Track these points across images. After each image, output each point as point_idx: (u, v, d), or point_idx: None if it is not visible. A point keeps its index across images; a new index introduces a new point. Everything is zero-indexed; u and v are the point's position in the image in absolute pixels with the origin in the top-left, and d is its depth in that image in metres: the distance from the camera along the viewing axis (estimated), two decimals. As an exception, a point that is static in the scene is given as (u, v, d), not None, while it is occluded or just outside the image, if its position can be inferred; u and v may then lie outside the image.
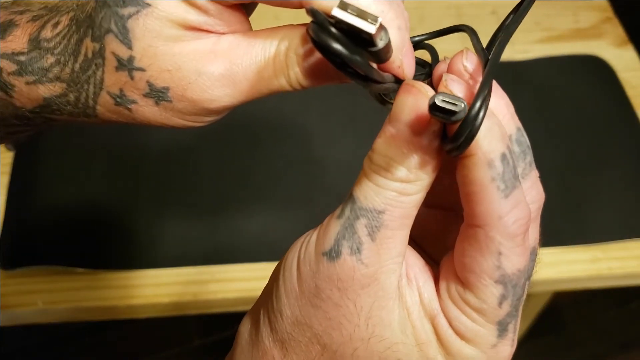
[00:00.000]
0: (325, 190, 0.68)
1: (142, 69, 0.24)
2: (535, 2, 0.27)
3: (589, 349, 1.38)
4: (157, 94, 0.24)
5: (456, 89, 0.22)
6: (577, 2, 0.88)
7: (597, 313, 1.42)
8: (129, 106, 0.25)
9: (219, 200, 0.67)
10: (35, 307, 0.60)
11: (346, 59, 0.21)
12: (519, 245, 0.22)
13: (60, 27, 0.25)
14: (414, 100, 0.22)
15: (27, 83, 0.26)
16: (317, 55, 0.24)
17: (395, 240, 0.23)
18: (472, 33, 0.27)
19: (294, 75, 0.24)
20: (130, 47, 0.23)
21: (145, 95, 0.25)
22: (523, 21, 0.26)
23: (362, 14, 0.21)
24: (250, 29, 0.25)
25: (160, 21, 0.23)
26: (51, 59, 0.25)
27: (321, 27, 0.20)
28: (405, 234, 0.23)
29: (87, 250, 0.63)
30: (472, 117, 0.20)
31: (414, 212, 0.23)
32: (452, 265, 0.23)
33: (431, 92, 0.22)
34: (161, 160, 0.69)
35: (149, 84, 0.24)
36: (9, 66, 0.26)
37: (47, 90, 0.26)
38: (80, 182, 0.67)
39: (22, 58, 0.26)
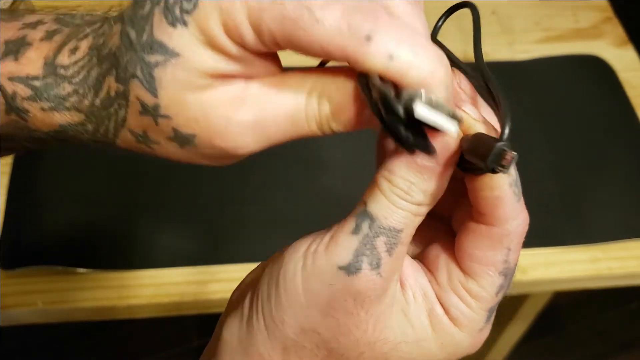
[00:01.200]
0: (325, 190, 0.68)
1: (167, 117, 0.23)
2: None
3: (589, 349, 1.38)
4: (183, 139, 0.23)
5: (469, 109, 0.23)
6: (577, 2, 0.88)
7: (597, 313, 1.42)
8: (152, 146, 0.24)
9: (219, 201, 0.67)
10: (35, 307, 0.60)
11: (412, 146, 0.21)
12: (521, 242, 0.25)
13: (78, 55, 0.24)
14: (447, 139, 0.23)
15: (43, 109, 0.25)
16: (354, 105, 0.23)
17: (404, 253, 0.24)
18: (444, 49, 0.27)
19: (327, 123, 0.23)
20: (155, 95, 0.22)
21: (170, 139, 0.24)
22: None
23: (439, 106, 0.20)
24: (281, 69, 0.24)
25: (189, 72, 0.22)
26: (68, 88, 0.24)
27: (391, 112, 0.20)
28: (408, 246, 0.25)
29: (87, 250, 0.63)
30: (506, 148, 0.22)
31: None
32: (446, 257, 0.26)
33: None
34: (161, 160, 0.69)
35: (175, 130, 0.23)
36: (23, 91, 0.25)
37: (63, 117, 0.25)
38: (81, 181, 0.67)
39: (37, 83, 0.24)
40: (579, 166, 0.72)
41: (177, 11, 0.21)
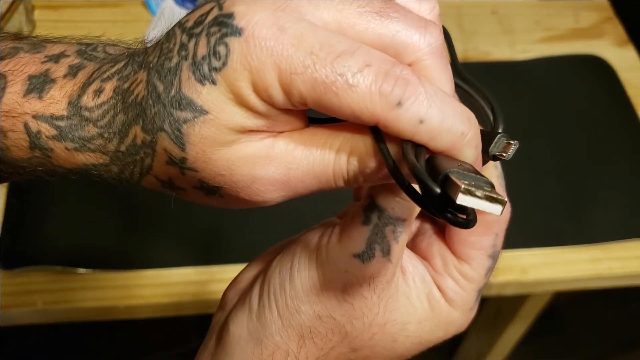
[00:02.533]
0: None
1: (194, 170, 0.23)
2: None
3: (589, 349, 1.38)
4: (209, 190, 0.24)
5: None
6: (578, 2, 0.88)
7: (597, 313, 1.42)
8: (177, 191, 0.24)
9: (219, 200, 0.67)
10: (35, 307, 0.60)
11: (446, 219, 0.20)
12: (505, 228, 0.28)
13: (103, 98, 0.24)
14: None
15: (67, 149, 0.25)
16: (382, 164, 0.22)
17: (406, 240, 0.26)
18: (448, 38, 0.28)
19: (354, 180, 0.23)
20: (183, 150, 0.22)
21: (196, 188, 0.24)
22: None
23: (477, 187, 0.19)
24: (306, 122, 0.24)
25: (217, 129, 0.22)
26: (93, 131, 0.24)
27: (425, 189, 0.19)
28: None
29: (87, 251, 0.63)
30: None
31: None
32: (439, 245, 0.28)
33: None
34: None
35: (201, 182, 0.23)
36: (47, 130, 0.25)
37: (87, 158, 0.25)
38: (80, 181, 0.67)
39: (61, 123, 0.24)
40: (580, 166, 0.72)
41: (206, 68, 0.21)
